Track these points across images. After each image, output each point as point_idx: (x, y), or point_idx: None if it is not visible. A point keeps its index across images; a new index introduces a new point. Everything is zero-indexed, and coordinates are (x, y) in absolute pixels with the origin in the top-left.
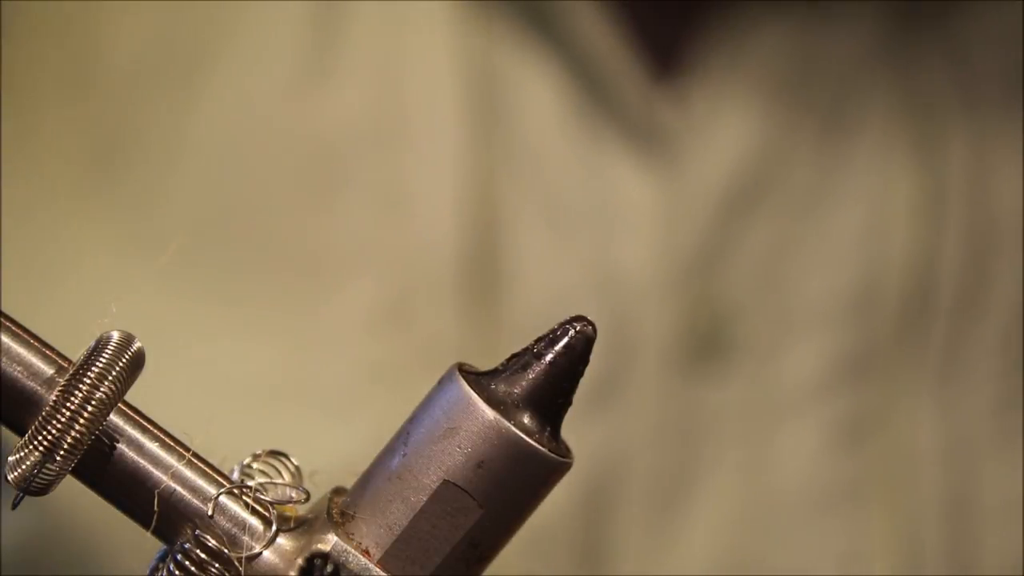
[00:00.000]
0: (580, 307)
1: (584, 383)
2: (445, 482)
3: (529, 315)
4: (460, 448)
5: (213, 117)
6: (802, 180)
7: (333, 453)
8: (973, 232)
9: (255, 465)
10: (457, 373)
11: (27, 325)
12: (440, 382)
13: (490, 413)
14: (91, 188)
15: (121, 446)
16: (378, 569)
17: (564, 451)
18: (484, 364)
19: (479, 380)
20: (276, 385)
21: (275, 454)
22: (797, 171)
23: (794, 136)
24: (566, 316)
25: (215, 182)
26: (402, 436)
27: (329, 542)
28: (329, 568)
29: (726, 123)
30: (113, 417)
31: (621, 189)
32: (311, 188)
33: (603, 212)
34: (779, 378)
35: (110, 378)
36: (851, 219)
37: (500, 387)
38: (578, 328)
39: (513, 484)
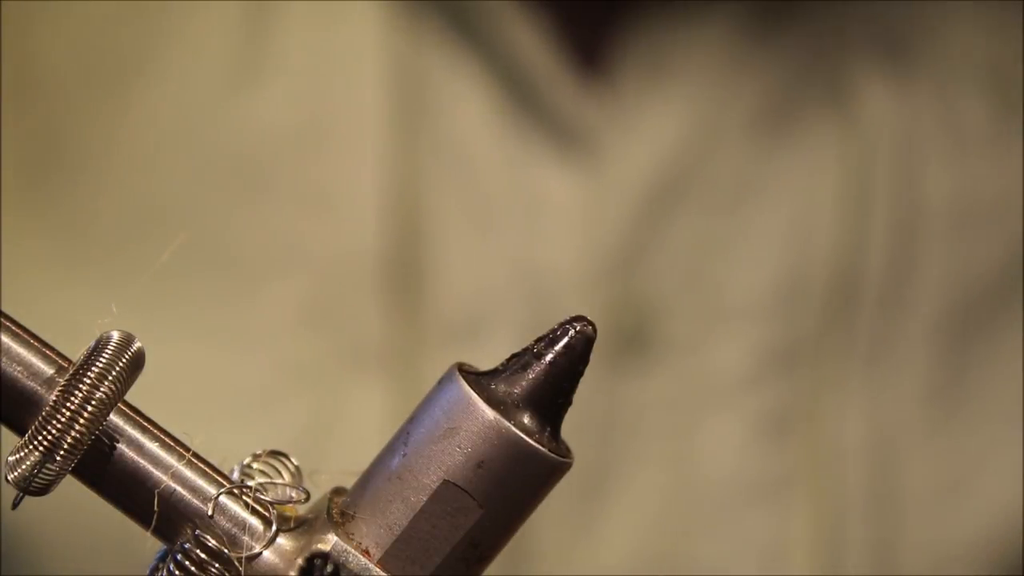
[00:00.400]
0: (504, 305)
1: None
2: (445, 482)
3: (453, 313)
4: (460, 448)
5: (144, 119)
6: (728, 175)
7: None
8: (900, 223)
9: (255, 465)
10: (457, 373)
11: None
12: (440, 382)
13: (490, 413)
14: (23, 191)
15: (121, 446)
16: (378, 569)
17: (564, 451)
18: (407, 363)
19: (479, 380)
20: (199, 385)
21: (275, 454)
22: (723, 166)
23: (720, 131)
24: (490, 314)
25: (145, 183)
26: (402, 436)
27: (329, 542)
28: (329, 568)
29: (650, 119)
30: (113, 417)
31: (546, 187)
32: (238, 188)
33: (528, 210)
34: (704, 372)
35: (110, 378)
36: (777, 213)
37: (500, 387)
38: (578, 328)
39: (513, 484)
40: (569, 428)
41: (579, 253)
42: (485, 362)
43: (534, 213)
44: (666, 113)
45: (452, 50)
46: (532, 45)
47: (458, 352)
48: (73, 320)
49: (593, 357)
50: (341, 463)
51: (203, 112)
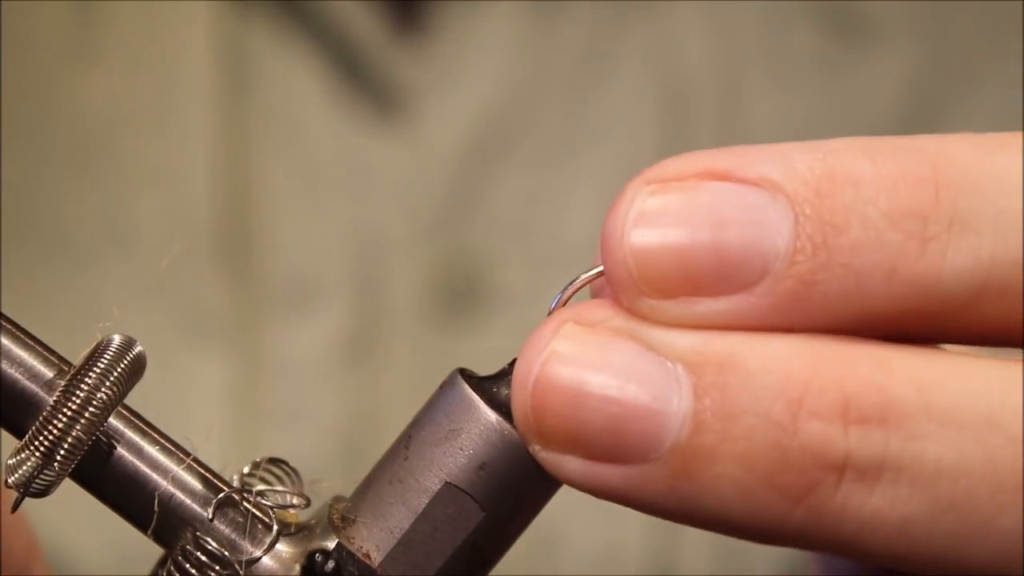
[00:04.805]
0: (333, 268)
1: (338, 342)
2: (447, 485)
3: (285, 278)
4: (462, 451)
5: None
6: (551, 127)
7: None
8: None
9: (255, 471)
10: (459, 376)
11: None
12: (442, 385)
13: (492, 415)
14: None
15: (120, 449)
16: (379, 573)
17: None
18: (244, 330)
19: (481, 383)
20: None
21: (275, 461)
22: (546, 118)
23: (540, 79)
24: (322, 278)
25: None
26: (403, 439)
27: (330, 546)
28: (330, 565)
29: (470, 75)
30: (113, 420)
31: (370, 151)
32: (71, 166)
33: (354, 175)
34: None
35: (110, 381)
36: (602, 154)
37: (502, 390)
38: None
39: (516, 487)
40: (399, 386)
41: (405, 214)
42: (319, 327)
43: (360, 177)
44: (485, 67)
45: (278, 24)
46: (355, 13)
47: (293, 317)
48: None
49: (427, 314)
50: (182, 432)
51: (35, 92)
